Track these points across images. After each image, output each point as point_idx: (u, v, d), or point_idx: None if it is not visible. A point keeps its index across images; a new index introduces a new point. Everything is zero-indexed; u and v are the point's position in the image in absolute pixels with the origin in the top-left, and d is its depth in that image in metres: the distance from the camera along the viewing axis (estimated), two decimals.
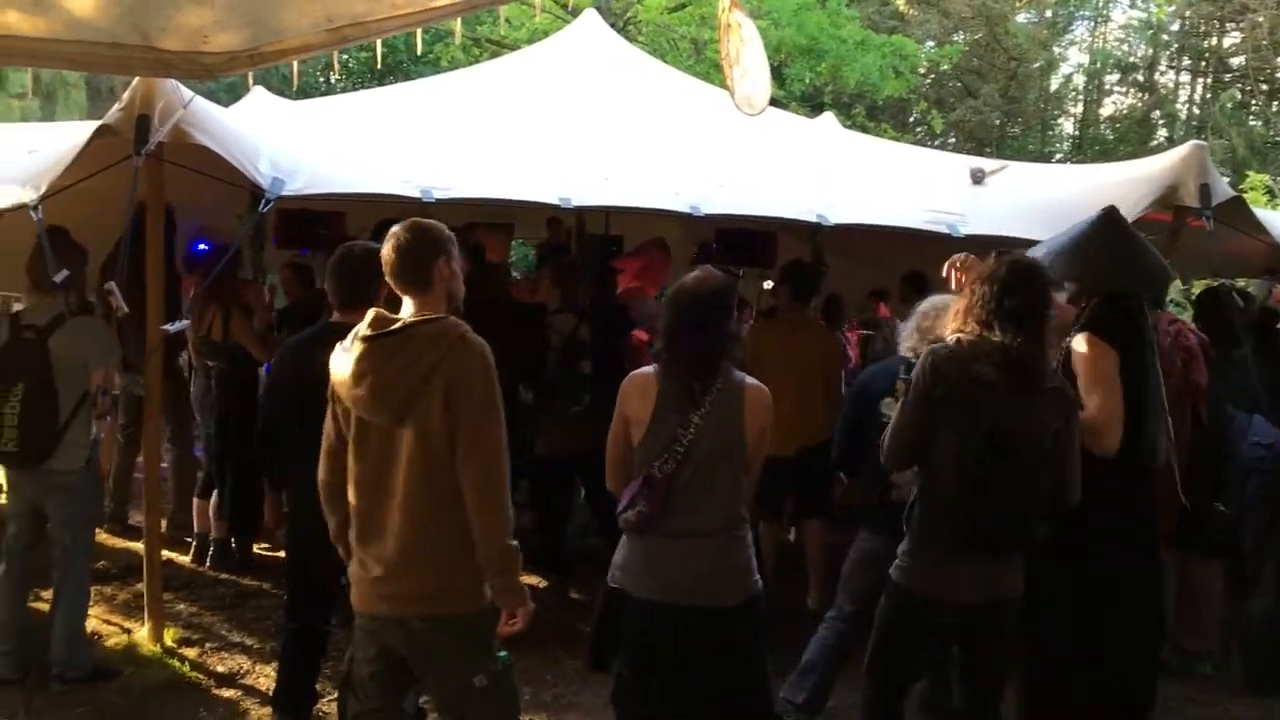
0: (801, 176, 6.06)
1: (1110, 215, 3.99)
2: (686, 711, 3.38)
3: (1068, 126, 33.79)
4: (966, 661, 3.51)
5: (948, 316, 3.51)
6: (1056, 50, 32.18)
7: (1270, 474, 5.20)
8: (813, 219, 5.36)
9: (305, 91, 13.38)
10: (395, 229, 3.05)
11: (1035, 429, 3.23)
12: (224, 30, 3.65)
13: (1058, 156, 29.65)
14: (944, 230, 5.21)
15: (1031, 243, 5.28)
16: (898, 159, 7.37)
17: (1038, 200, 5.73)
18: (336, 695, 3.40)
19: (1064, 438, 3.28)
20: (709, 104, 7.10)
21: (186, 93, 4.53)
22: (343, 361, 2.98)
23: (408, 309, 3.02)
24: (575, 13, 12.95)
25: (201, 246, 6.83)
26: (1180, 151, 5.26)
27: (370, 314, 3.00)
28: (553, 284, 6.23)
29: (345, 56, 22.16)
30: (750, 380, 3.37)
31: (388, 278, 3.04)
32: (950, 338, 3.35)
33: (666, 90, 7.62)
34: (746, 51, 4.73)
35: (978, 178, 6.04)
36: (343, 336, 3.44)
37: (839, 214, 5.40)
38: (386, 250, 3.01)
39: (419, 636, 3.01)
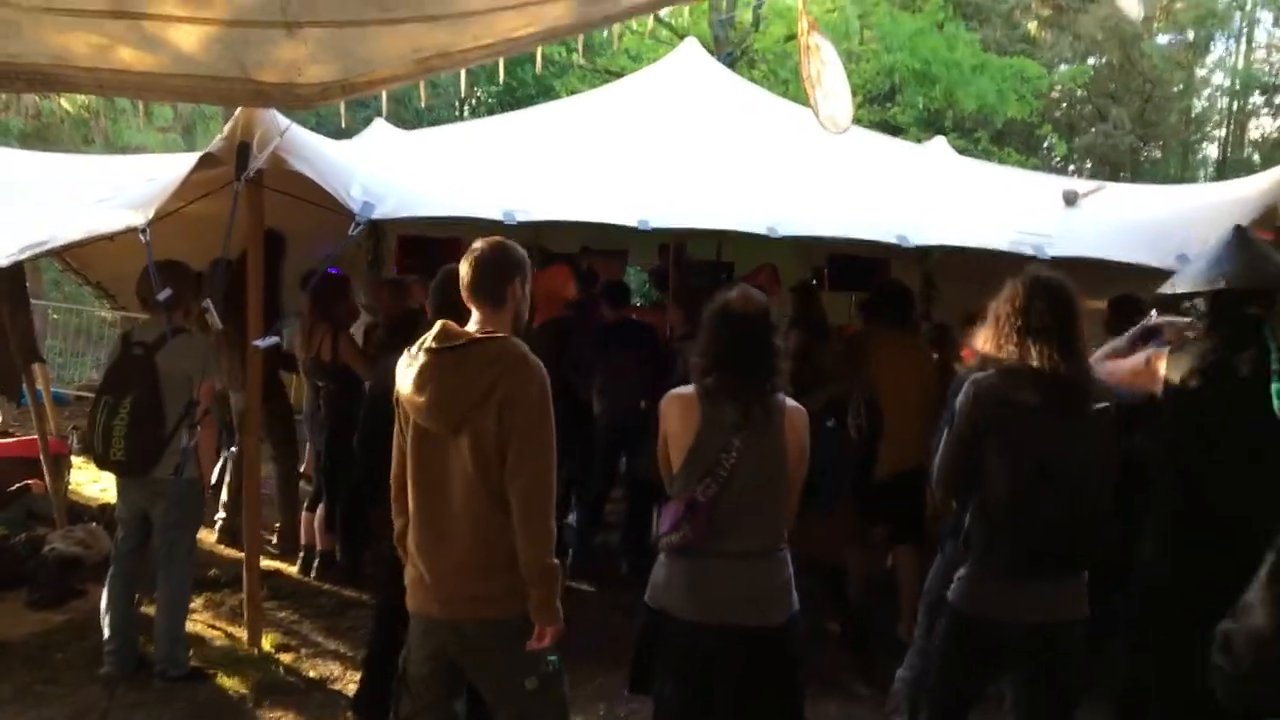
0: (889, 199, 6.03)
1: (1239, 230, 3.84)
2: None
3: (1211, 150, 32.61)
4: (1028, 688, 3.42)
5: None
6: (1199, 73, 31.12)
7: None
8: (892, 240, 5.33)
9: (436, 124, 13.86)
10: (477, 244, 3.16)
11: (1079, 451, 3.21)
12: (317, 63, 3.84)
13: (1201, 181, 28.58)
14: (1029, 252, 5.11)
15: (1118, 264, 5.19)
16: (992, 181, 7.26)
17: (1131, 221, 5.60)
18: (392, 691, 3.48)
19: (1109, 459, 3.26)
20: (799, 127, 7.11)
21: (284, 121, 4.78)
22: (407, 371, 3.10)
23: (475, 323, 3.13)
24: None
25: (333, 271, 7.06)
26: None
27: (437, 326, 3.09)
28: (677, 308, 6.27)
29: (478, 90, 22.93)
30: (790, 402, 3.36)
31: (463, 290, 3.14)
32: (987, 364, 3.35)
33: (759, 114, 7.66)
34: (827, 73, 4.76)
35: (1070, 199, 5.91)
36: None
37: (921, 236, 5.37)
38: (465, 264, 3.13)
39: (470, 640, 3.11)
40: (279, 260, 6.30)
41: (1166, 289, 3.93)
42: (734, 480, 3.22)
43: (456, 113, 22.44)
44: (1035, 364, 3.20)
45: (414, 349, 3.12)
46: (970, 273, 7.41)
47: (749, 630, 3.23)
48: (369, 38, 3.77)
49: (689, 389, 3.35)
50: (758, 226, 5.23)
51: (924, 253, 6.13)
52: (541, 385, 3.02)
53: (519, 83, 22.35)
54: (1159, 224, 5.44)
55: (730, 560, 3.24)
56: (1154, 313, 4.37)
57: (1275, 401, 3.40)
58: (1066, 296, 3.27)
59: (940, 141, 9.10)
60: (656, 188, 5.63)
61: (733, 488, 3.22)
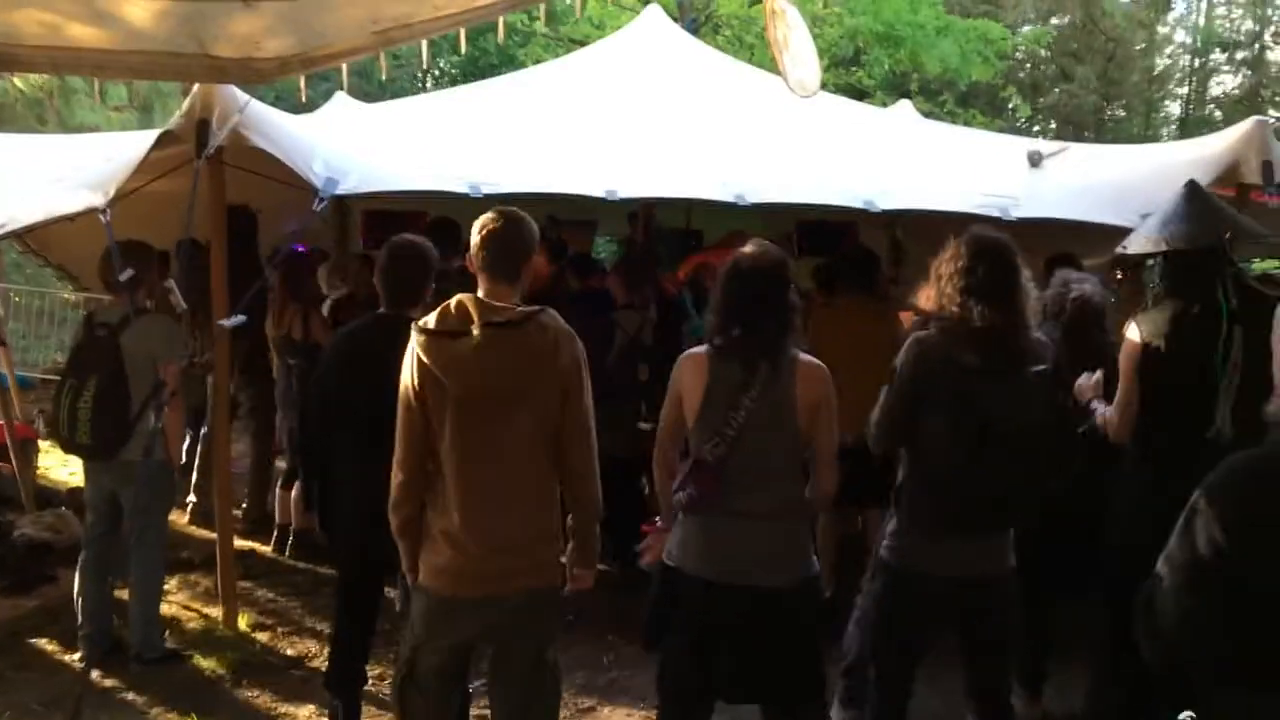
0: (854, 163, 6.02)
1: (1190, 186, 3.88)
2: (737, 690, 3.34)
3: (1174, 108, 32.81)
4: (967, 641, 3.51)
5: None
6: (1161, 30, 31.26)
7: None
8: (860, 205, 5.33)
9: (396, 95, 13.67)
10: (490, 217, 3.12)
11: (1020, 411, 3.22)
12: (274, 36, 3.80)
13: (1164, 139, 28.77)
14: (996, 214, 5.13)
15: (1084, 225, 5.22)
16: (957, 144, 7.28)
17: (1095, 181, 5.64)
18: (393, 688, 3.43)
19: (1054, 418, 3.30)
20: (765, 93, 7.09)
21: (243, 97, 4.71)
22: (449, 347, 3.00)
23: (487, 294, 3.08)
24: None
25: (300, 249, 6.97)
26: (1242, 128, 5.16)
27: (470, 301, 3.04)
28: (618, 278, 6.28)
29: (441, 61, 22.71)
30: (804, 357, 3.27)
31: (477, 262, 3.11)
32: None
33: (724, 81, 7.61)
34: (794, 36, 4.73)
35: (1035, 160, 5.94)
36: (394, 326, 3.54)
37: (889, 200, 5.36)
38: (482, 235, 3.09)
39: (514, 610, 3.14)
40: (253, 238, 6.24)
41: (1120, 250, 3.98)
42: (743, 439, 3.17)
43: (419, 84, 22.21)
44: (977, 324, 3.21)
45: (432, 325, 3.03)
46: (939, 236, 7.45)
47: (760, 591, 3.18)
48: (327, 9, 3.73)
49: (702, 348, 3.31)
50: (725, 195, 5.21)
51: (891, 217, 6.12)
52: (582, 354, 3.14)
53: (481, 53, 22.14)
54: (1123, 184, 5.48)
55: (742, 520, 3.19)
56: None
57: (1220, 375, 3.43)
58: (1008, 257, 3.27)
59: (906, 105, 9.08)
60: (623, 157, 5.59)
61: (741, 447, 3.17)
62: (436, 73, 23.69)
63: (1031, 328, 3.33)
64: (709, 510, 3.22)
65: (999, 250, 3.28)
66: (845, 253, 6.10)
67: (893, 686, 3.55)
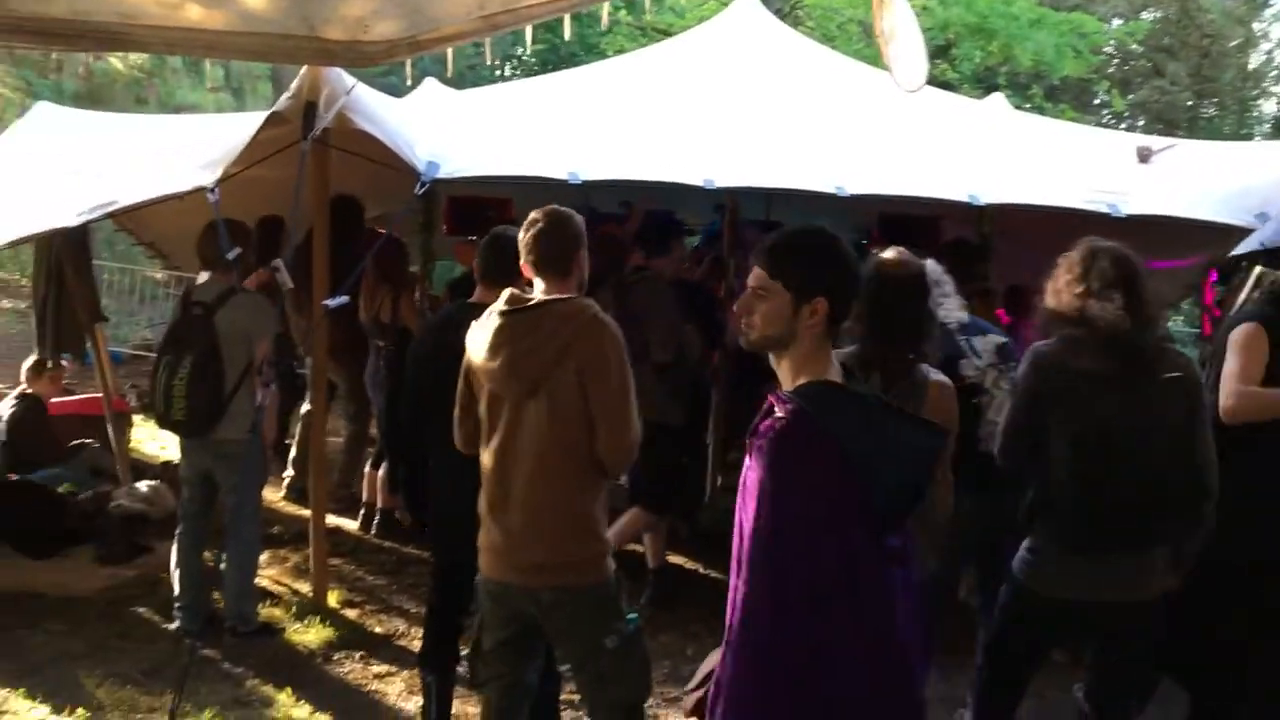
0: (956, 157, 5.89)
1: None
2: None
3: (1269, 107, 31.89)
4: (1098, 657, 3.36)
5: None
6: (1256, 26, 30.36)
7: None
8: (963, 199, 5.21)
9: (478, 83, 13.75)
10: (536, 215, 3.15)
11: (1152, 420, 3.07)
12: (383, 20, 3.83)
13: (1257, 139, 27.97)
14: (1104, 210, 4.99)
15: (1197, 222, 5.06)
16: (1061, 138, 7.07)
17: (1209, 179, 5.44)
18: (468, 660, 3.47)
19: (1191, 425, 3.12)
20: (866, 85, 6.99)
21: (349, 80, 4.74)
22: (479, 335, 3.08)
23: (540, 291, 3.11)
24: None
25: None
26: None
27: (507, 292, 3.10)
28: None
29: (520, 50, 22.76)
30: (935, 376, 3.09)
31: (526, 261, 3.13)
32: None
33: (822, 72, 7.49)
34: (901, 28, 4.66)
35: (1144, 156, 5.74)
36: (479, 314, 3.56)
37: (992, 194, 5.22)
38: (529, 235, 3.12)
39: (548, 607, 3.09)
40: (361, 226, 6.32)
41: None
42: None
43: (498, 72, 22.25)
44: (1099, 327, 3.04)
45: (485, 314, 3.12)
46: (1029, 233, 7.29)
47: None
48: None
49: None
50: (824, 185, 5.13)
51: (979, 211, 5.97)
52: (618, 342, 3.03)
53: (561, 40, 22.09)
54: (1237, 182, 5.29)
55: None
56: None
57: None
58: (1127, 257, 3.12)
59: (998, 98, 8.88)
60: (720, 146, 5.53)
61: None
62: (514, 62, 23.66)
63: (1158, 333, 3.18)
64: None
65: (1117, 251, 3.14)
66: (956, 244, 6.01)
67: (999, 694, 3.46)
